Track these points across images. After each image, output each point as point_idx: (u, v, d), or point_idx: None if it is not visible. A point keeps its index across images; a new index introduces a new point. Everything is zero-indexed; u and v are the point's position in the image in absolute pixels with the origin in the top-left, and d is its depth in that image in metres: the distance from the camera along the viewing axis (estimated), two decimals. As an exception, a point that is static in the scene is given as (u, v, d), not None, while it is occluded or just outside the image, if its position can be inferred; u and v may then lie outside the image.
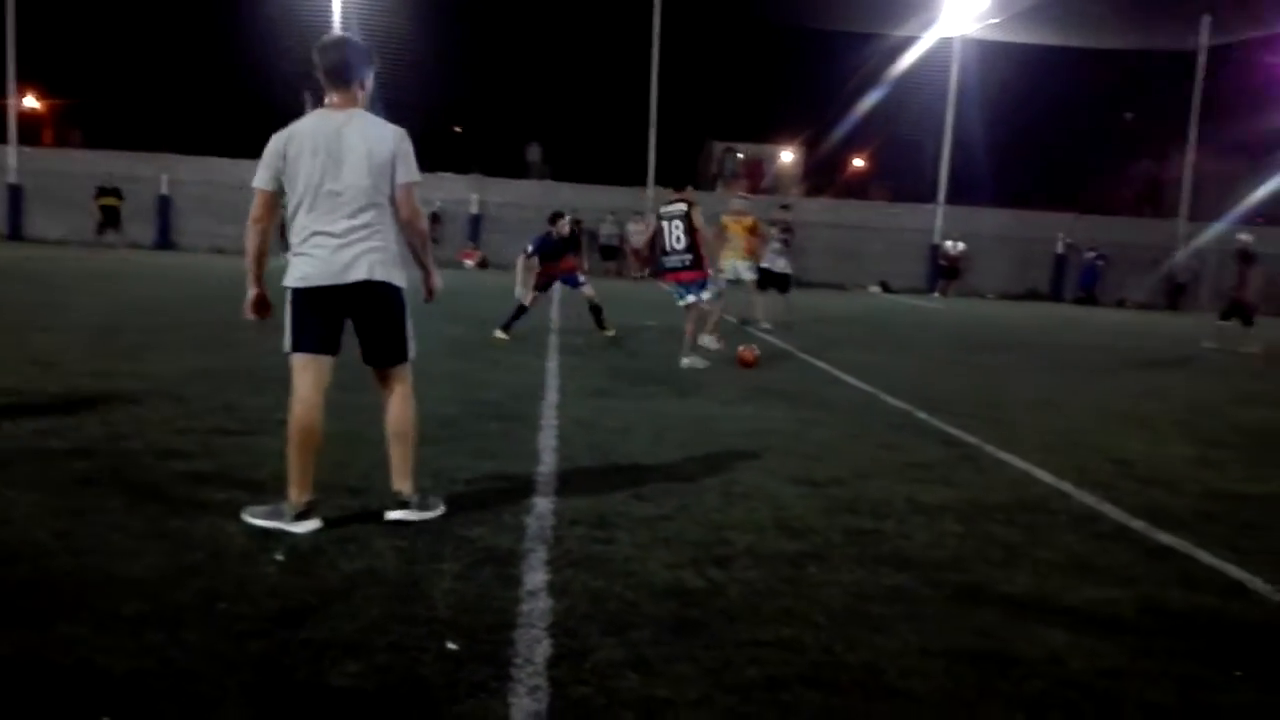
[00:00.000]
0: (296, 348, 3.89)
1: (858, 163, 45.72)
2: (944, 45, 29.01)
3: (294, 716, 2.39)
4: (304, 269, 3.83)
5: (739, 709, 2.56)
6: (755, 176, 38.99)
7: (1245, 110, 32.73)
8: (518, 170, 36.31)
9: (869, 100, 33.97)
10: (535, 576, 3.44)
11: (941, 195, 29.22)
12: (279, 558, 3.45)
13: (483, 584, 3.35)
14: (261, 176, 3.88)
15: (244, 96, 33.34)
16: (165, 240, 27.51)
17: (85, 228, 26.34)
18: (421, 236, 4.15)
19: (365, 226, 3.85)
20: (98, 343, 8.58)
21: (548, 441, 5.67)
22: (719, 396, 7.77)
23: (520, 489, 4.58)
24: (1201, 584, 3.84)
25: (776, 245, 14.30)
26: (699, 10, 30.38)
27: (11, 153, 27.68)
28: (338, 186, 3.81)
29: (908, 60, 29.88)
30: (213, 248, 27.28)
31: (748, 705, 2.58)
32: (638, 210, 27.24)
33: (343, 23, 27.40)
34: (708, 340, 10.31)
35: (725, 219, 13.80)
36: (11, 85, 27.66)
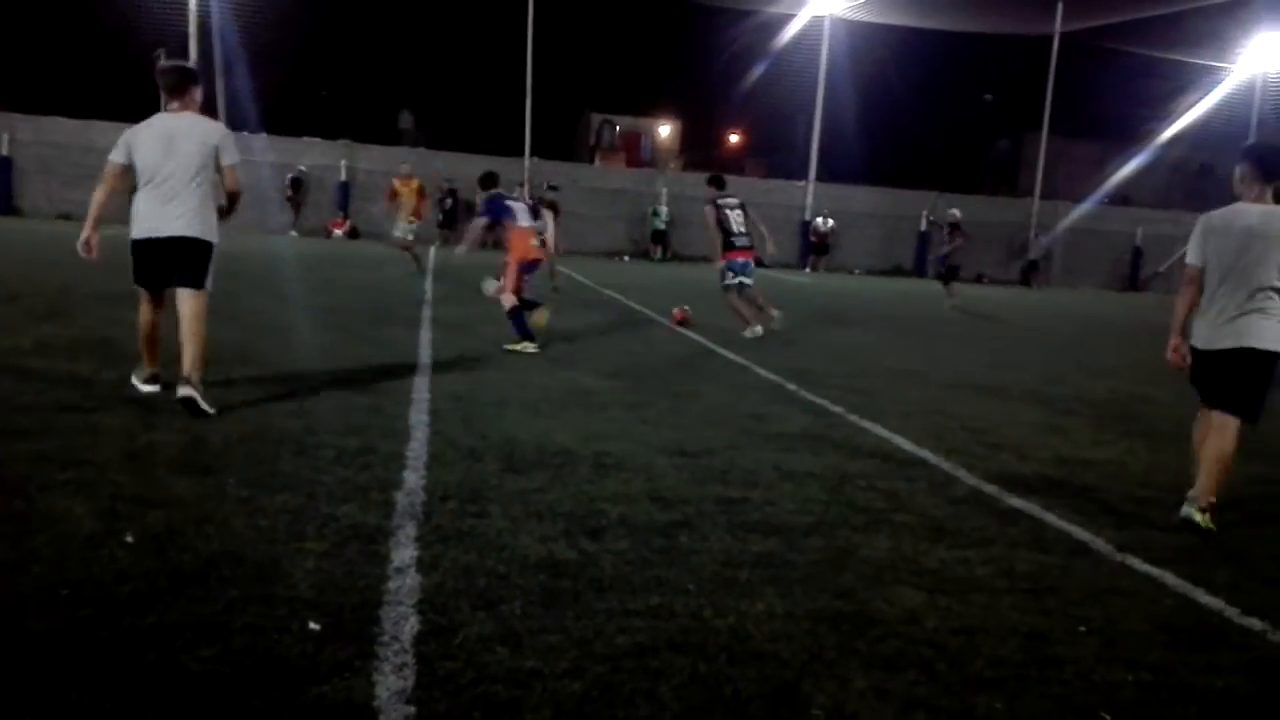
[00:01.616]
0: (137, 282, 5.50)
1: (734, 138, 46.30)
2: (815, 24, 29.55)
3: (144, 703, 2.28)
4: (139, 227, 5.37)
5: (608, 678, 2.57)
6: (633, 149, 38.98)
7: (1096, 95, 34.63)
8: (389, 137, 35.28)
9: (744, 76, 34.41)
10: (404, 553, 3.37)
11: (812, 172, 29.87)
12: (129, 540, 3.28)
13: (348, 562, 3.26)
14: (115, 155, 5.40)
15: (94, 54, 31.32)
16: (6, 206, 25.63)
17: (-88, 190, 24.36)
18: (236, 203, 5.68)
19: (189, 196, 5.33)
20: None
21: (419, 416, 5.56)
22: (594, 369, 7.77)
23: (390, 465, 4.48)
24: (1049, 545, 4.07)
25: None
26: (576, -21, 30.12)
27: None
28: (170, 168, 5.29)
29: (781, 38, 30.33)
30: (58, 213, 25.59)
31: (617, 674, 2.60)
32: (521, 182, 26.90)
33: (201, -22, 25.97)
34: (777, 315, 11.17)
35: (395, 182, 15.86)
36: None
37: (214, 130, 5.45)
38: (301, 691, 2.40)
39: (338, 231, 26.84)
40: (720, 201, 10.92)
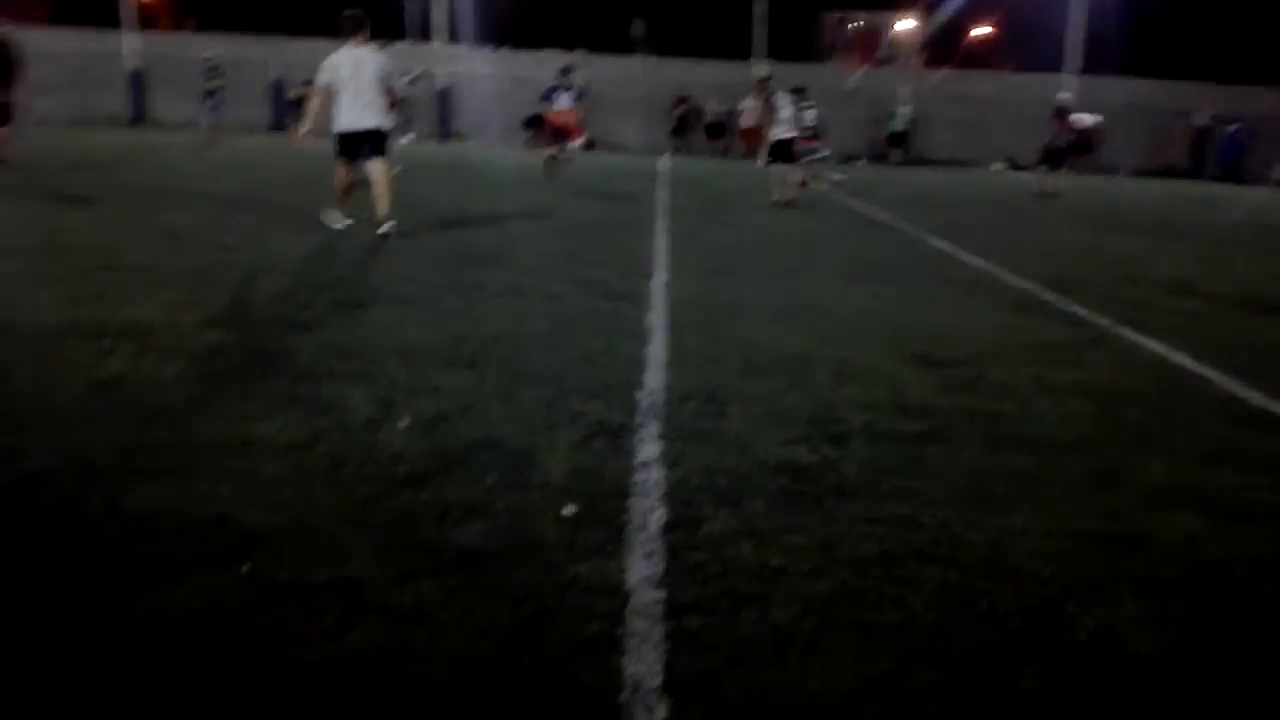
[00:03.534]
0: (339, 155, 8.49)
1: (981, 30, 43.05)
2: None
3: (420, 570, 2.47)
4: (342, 122, 8.36)
5: (854, 582, 2.53)
6: (871, 47, 37.14)
7: None
8: (622, 46, 35.44)
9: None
10: (648, 449, 3.45)
11: (1071, 63, 27.31)
12: (403, 425, 3.55)
13: (597, 454, 3.38)
14: (321, 79, 8.47)
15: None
16: (279, 123, 27.98)
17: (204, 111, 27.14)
18: (396, 106, 9.43)
19: (371, 102, 8.36)
20: (221, 221, 8.87)
21: (658, 319, 5.63)
22: (833, 273, 7.59)
23: (631, 365, 4.58)
24: (1354, 472, 3.60)
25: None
26: None
27: (133, 39, 28.35)
28: (359, 84, 8.31)
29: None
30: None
31: (864, 579, 2.55)
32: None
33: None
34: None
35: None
36: (129, -30, 28.13)
37: (382, 58, 8.59)
38: (560, 569, 2.52)
39: (574, 143, 27.37)
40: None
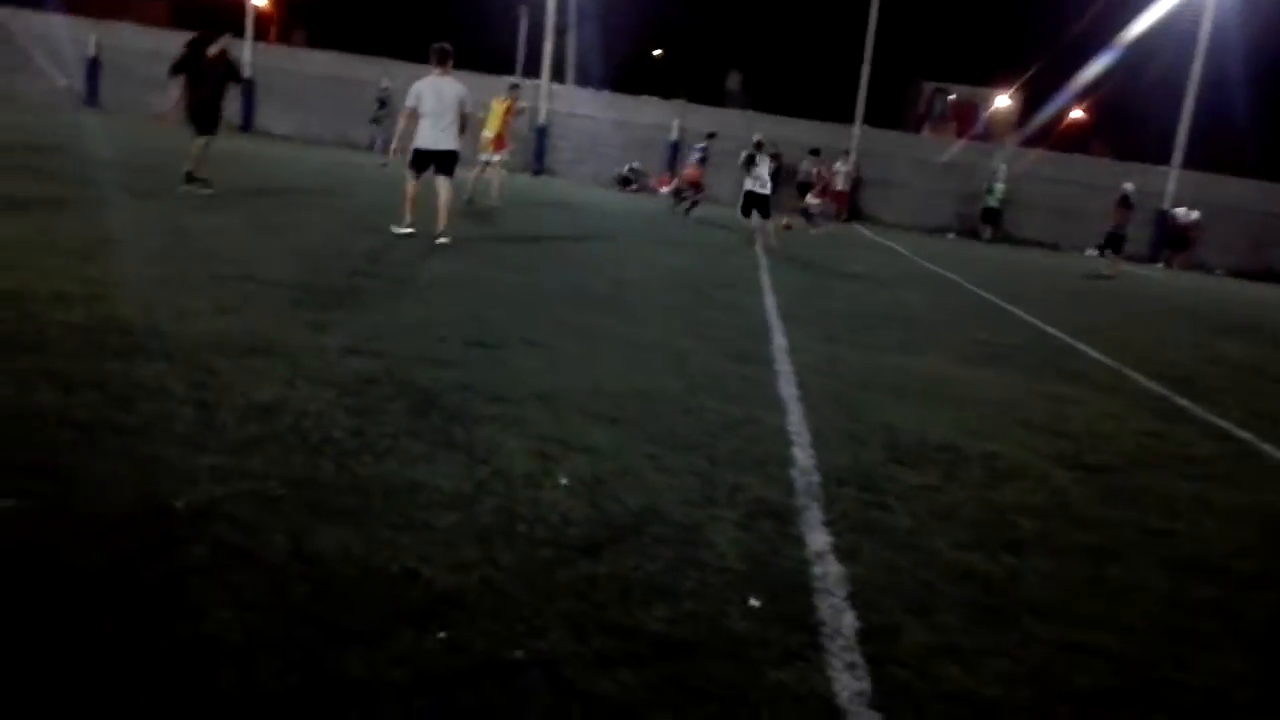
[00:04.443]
0: (410, 167, 9.69)
1: (1078, 113, 42.57)
2: (1199, -8, 26.25)
3: (616, 656, 2.35)
4: (420, 141, 9.57)
5: (1082, 723, 2.35)
6: (966, 120, 36.87)
7: None
8: (716, 98, 35.65)
9: (1102, 47, 31.40)
10: (817, 537, 3.31)
11: (1177, 158, 26.77)
12: (564, 482, 3.45)
13: (766, 538, 3.24)
14: (410, 101, 9.57)
15: (462, 9, 34.05)
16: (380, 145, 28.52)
17: (308, 125, 27.82)
18: (474, 133, 10.65)
19: (448, 126, 9.49)
20: (346, 241, 8.97)
21: (789, 389, 5.50)
22: (951, 354, 7.39)
23: (775, 438, 4.44)
24: None
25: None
26: (929, -61, 28.63)
27: (246, 48, 29.22)
28: (440, 109, 9.43)
29: (1154, 6, 27.26)
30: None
31: (1092, 720, 2.37)
32: (845, 149, 26.30)
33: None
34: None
35: (494, 102, 14.46)
36: (251, -18, 29.08)
37: (462, 89, 9.61)
38: (761, 672, 2.38)
39: (664, 190, 27.49)
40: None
